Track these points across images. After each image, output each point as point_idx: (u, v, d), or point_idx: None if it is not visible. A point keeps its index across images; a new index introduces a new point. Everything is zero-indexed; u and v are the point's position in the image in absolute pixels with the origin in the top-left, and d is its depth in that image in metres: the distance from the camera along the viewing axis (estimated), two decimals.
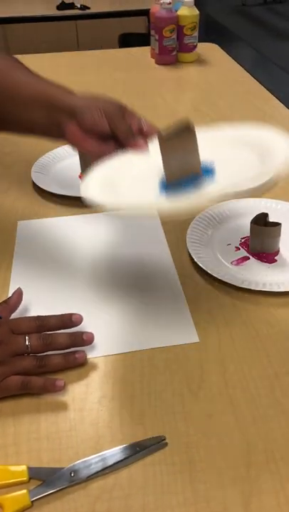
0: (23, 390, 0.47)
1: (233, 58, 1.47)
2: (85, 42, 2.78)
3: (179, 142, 0.50)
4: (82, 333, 0.51)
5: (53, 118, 0.57)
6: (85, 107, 0.56)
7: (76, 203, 0.72)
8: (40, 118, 0.58)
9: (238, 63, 1.43)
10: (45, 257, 0.67)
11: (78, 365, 0.50)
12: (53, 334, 0.50)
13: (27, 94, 0.59)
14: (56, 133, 0.58)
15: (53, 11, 2.66)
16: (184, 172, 0.51)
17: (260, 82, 1.28)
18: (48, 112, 0.57)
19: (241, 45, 4.23)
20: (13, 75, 0.62)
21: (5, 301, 0.54)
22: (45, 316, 0.51)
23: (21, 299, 0.55)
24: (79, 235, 0.71)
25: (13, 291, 0.56)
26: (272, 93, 1.21)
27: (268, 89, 1.24)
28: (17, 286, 0.57)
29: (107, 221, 0.73)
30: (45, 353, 0.49)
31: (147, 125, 0.58)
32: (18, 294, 0.55)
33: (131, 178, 0.55)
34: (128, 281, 0.62)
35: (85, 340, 0.51)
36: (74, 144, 0.59)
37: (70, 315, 0.51)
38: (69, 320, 0.51)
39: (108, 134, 0.56)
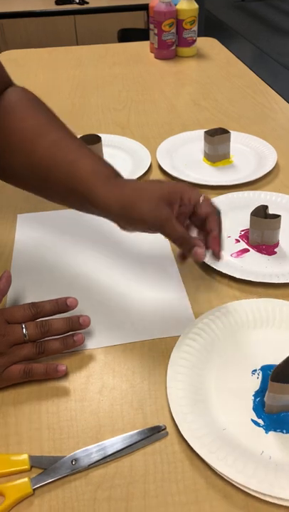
0: (25, 377, 0.47)
1: (232, 53, 1.47)
2: (83, 37, 2.77)
3: None
4: (78, 316, 0.50)
5: (92, 212, 0.51)
6: (124, 218, 0.49)
7: None
8: (78, 206, 0.53)
9: (237, 58, 1.43)
10: (45, 249, 0.67)
11: (77, 346, 0.50)
12: (50, 321, 0.49)
13: (60, 184, 0.51)
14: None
15: (52, 6, 2.66)
16: None
17: (259, 77, 1.28)
18: (84, 206, 0.52)
19: (240, 41, 4.22)
20: (41, 145, 0.53)
21: None
22: (40, 302, 0.50)
23: (10, 282, 0.53)
24: (77, 227, 0.71)
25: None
26: (271, 87, 1.21)
27: (266, 83, 1.24)
28: (17, 279, 0.56)
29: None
30: (43, 339, 0.49)
31: (206, 212, 0.50)
32: (7, 277, 0.53)
33: None
34: (128, 273, 0.62)
35: (81, 324, 0.50)
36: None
37: (65, 299, 0.50)
38: (64, 304, 0.50)
39: None
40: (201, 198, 0.49)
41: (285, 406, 0.45)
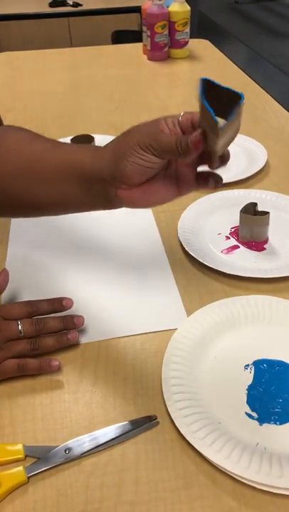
0: (19, 372, 0.49)
1: (225, 55, 1.49)
2: (77, 39, 2.79)
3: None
4: (72, 316, 0.52)
5: (93, 192, 0.47)
6: (121, 160, 0.44)
7: None
8: (75, 193, 0.48)
9: (230, 60, 1.45)
10: (39, 246, 0.68)
11: (71, 345, 0.52)
12: (45, 319, 0.51)
13: (52, 171, 0.48)
14: (105, 203, 0.48)
15: (46, 9, 2.67)
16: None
17: (252, 79, 1.30)
18: (83, 186, 0.47)
19: (234, 42, 4.25)
20: (28, 147, 0.50)
21: None
22: (37, 301, 0.52)
23: (8, 280, 0.55)
24: (71, 223, 0.72)
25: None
26: (263, 88, 1.23)
27: (259, 84, 1.26)
28: (11, 277, 0.57)
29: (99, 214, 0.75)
30: (38, 336, 0.50)
31: (188, 116, 0.46)
32: (5, 274, 0.55)
33: None
34: (121, 269, 0.64)
35: (75, 323, 0.52)
36: (139, 206, 0.48)
37: (61, 299, 0.52)
38: (60, 304, 0.52)
39: (165, 166, 0.46)
40: (179, 117, 0.46)
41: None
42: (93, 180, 0.46)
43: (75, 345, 0.53)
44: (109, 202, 0.47)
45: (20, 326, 0.49)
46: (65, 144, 0.52)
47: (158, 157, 0.43)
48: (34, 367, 0.49)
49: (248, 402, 0.47)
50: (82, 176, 0.46)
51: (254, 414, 0.46)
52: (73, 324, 0.52)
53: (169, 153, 0.43)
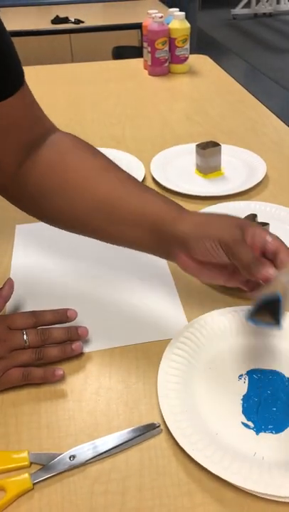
0: (24, 381, 0.49)
1: (224, 70, 1.52)
2: (78, 55, 2.83)
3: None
4: (76, 327, 0.53)
5: (160, 244, 0.50)
6: (197, 237, 0.46)
7: None
8: (145, 240, 0.50)
9: (229, 74, 1.48)
10: (42, 258, 0.69)
11: (75, 355, 0.53)
12: (49, 329, 0.52)
13: (129, 215, 0.50)
14: (165, 256, 0.52)
15: (48, 25, 2.72)
16: None
17: (251, 92, 1.32)
18: (154, 236, 0.49)
19: (233, 57, 4.32)
20: (103, 183, 0.52)
21: None
22: (41, 312, 0.53)
23: (13, 290, 0.56)
24: (75, 237, 0.73)
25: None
26: (262, 102, 1.26)
27: (258, 98, 1.28)
28: (16, 288, 0.58)
29: None
30: (42, 346, 0.51)
31: (277, 245, 0.47)
32: (10, 285, 0.56)
33: None
34: (123, 279, 0.65)
35: (79, 334, 0.53)
36: (188, 273, 0.50)
37: (65, 310, 0.53)
38: (64, 315, 0.53)
39: (228, 263, 0.47)
40: (268, 237, 0.47)
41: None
42: (167, 236, 0.48)
43: (79, 354, 0.54)
44: (166, 256, 0.51)
45: (25, 336, 0.50)
46: (146, 190, 0.52)
47: (228, 259, 0.46)
48: (38, 376, 0.50)
49: (243, 412, 0.47)
50: (160, 230, 0.49)
51: (250, 424, 0.46)
52: (77, 335, 0.53)
53: (239, 264, 0.45)
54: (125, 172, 0.54)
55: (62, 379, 0.51)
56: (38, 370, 0.50)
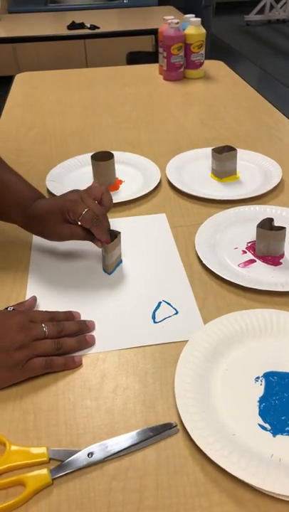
0: (47, 368, 0.53)
1: (238, 75, 1.52)
2: (93, 60, 2.86)
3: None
4: (84, 321, 0.59)
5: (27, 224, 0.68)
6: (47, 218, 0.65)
7: None
8: (19, 222, 0.69)
9: (243, 79, 1.48)
10: (59, 263, 0.70)
11: (90, 345, 0.57)
12: (64, 322, 0.57)
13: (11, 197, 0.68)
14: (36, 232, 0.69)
15: (64, 31, 2.76)
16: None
17: (265, 98, 1.33)
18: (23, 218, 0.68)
19: (246, 63, 4.32)
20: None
21: (21, 302, 0.62)
22: (54, 311, 0.59)
23: (35, 304, 0.63)
24: (87, 243, 0.74)
25: (29, 294, 0.64)
26: (276, 107, 1.26)
27: (272, 103, 1.28)
28: (32, 290, 0.64)
29: (118, 228, 0.77)
30: (59, 337, 0.55)
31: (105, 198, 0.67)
32: (33, 299, 0.63)
33: None
34: (141, 282, 0.65)
35: (88, 326, 0.59)
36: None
37: (70, 311, 0.60)
38: (71, 315, 0.60)
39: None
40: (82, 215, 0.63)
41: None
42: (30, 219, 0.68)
43: (96, 353, 0.55)
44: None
45: (44, 328, 0.54)
46: (19, 178, 0.73)
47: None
48: (60, 363, 0.53)
49: (260, 414, 0.48)
50: (25, 212, 0.68)
51: (267, 426, 0.46)
52: (86, 327, 0.58)
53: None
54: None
55: (80, 377, 0.52)
56: (60, 358, 0.54)
